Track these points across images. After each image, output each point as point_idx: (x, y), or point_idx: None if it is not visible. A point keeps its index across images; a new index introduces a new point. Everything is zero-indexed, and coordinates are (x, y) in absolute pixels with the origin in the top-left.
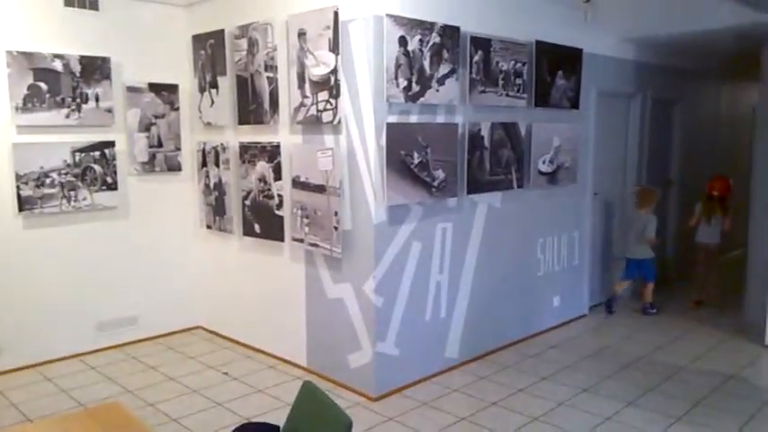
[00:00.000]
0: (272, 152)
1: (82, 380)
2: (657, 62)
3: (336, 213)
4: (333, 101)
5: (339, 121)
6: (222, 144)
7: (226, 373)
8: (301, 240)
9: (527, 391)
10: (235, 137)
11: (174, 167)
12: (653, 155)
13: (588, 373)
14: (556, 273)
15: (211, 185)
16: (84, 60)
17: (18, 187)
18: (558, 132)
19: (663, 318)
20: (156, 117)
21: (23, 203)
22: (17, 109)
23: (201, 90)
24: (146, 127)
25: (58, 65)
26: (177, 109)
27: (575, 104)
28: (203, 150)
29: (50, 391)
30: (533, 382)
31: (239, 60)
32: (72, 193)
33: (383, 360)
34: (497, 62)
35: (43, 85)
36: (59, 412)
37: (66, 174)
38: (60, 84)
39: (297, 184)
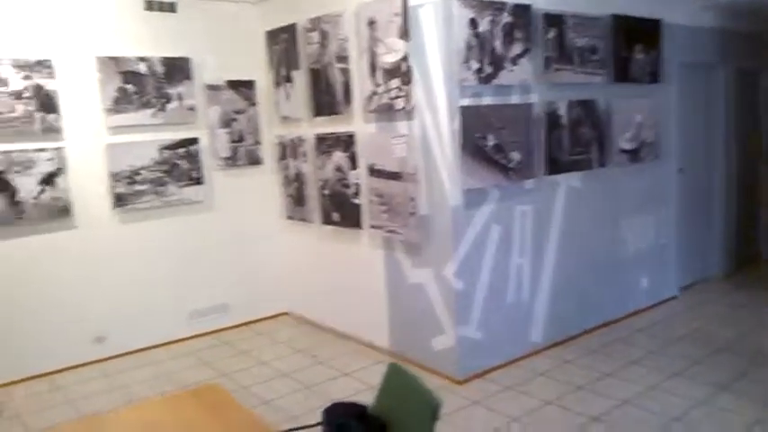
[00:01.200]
0: (347, 142)
1: (179, 365)
2: (740, 29)
3: (413, 199)
4: (404, 87)
5: (412, 108)
6: (299, 136)
7: (314, 356)
8: (379, 227)
9: (615, 375)
10: (311, 128)
11: (255, 161)
12: (740, 126)
13: (679, 357)
14: (642, 253)
15: (291, 177)
16: (166, 62)
17: (112, 185)
18: (639, 108)
19: (756, 297)
20: (236, 113)
21: (118, 200)
22: (108, 111)
23: (277, 84)
24: (226, 123)
25: (142, 67)
26: (255, 104)
27: (655, 78)
28: (282, 143)
29: (151, 375)
30: (621, 366)
31: (312, 53)
32: (161, 188)
33: (466, 343)
34: (572, 38)
35: (130, 87)
36: (162, 394)
37: (154, 170)
38: (145, 85)
39: (372, 171)
